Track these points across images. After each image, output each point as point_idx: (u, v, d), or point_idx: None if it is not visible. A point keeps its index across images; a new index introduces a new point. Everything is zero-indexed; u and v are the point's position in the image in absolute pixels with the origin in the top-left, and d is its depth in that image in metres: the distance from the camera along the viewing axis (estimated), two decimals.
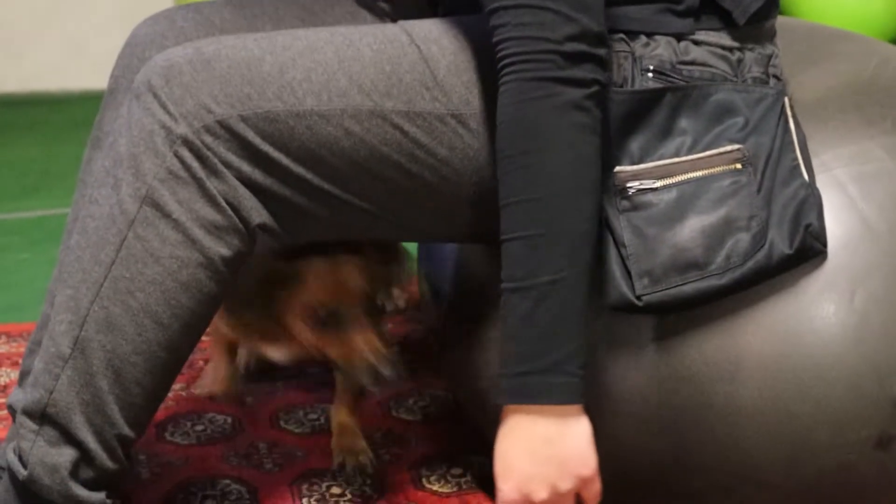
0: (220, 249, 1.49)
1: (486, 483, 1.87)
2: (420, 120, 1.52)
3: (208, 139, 1.47)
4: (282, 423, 2.11)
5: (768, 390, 1.50)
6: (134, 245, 1.48)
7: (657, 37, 1.53)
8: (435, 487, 1.87)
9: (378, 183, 1.53)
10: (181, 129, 1.47)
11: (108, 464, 1.55)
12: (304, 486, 1.88)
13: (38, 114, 4.99)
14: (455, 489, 1.86)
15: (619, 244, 1.49)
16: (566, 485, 1.41)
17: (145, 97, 1.49)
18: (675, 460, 1.54)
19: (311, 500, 1.84)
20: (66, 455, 1.53)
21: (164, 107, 1.47)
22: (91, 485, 1.55)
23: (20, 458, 1.55)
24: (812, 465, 1.51)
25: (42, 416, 1.52)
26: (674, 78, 1.52)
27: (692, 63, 1.54)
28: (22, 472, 1.54)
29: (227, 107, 1.48)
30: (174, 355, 1.54)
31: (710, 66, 1.54)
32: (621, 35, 1.53)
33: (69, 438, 1.53)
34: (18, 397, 1.61)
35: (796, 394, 1.49)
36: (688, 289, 1.48)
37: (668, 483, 1.56)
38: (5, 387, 2.32)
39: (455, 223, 1.61)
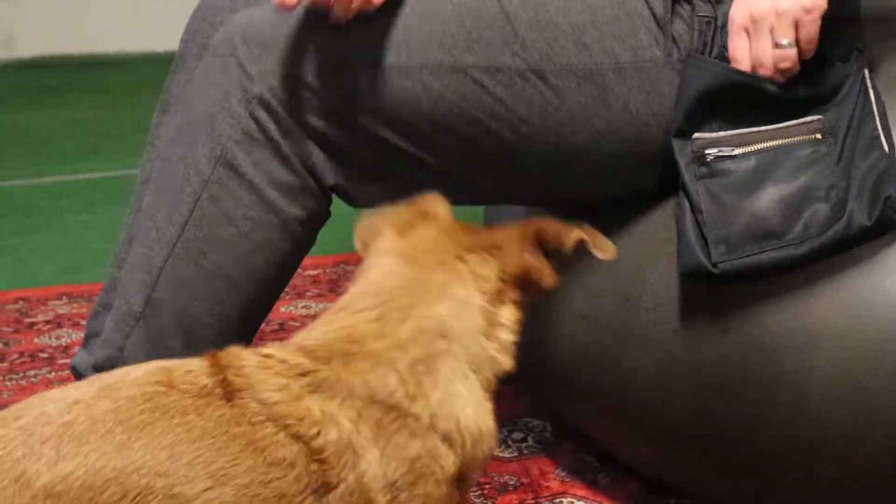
0: (295, 211, 1.48)
1: (548, 448, 1.85)
2: (500, 75, 1.50)
3: (285, 98, 1.46)
4: None
5: (840, 362, 1.47)
6: (208, 206, 1.47)
7: None
8: (496, 452, 1.86)
9: (454, 141, 1.51)
10: (258, 88, 1.46)
11: None
12: None
13: (98, 76, 5.02)
14: (516, 454, 1.85)
15: (695, 210, 1.46)
16: (786, 3, 1.41)
17: (223, 56, 1.48)
18: (745, 430, 1.51)
19: None
20: None
21: (241, 66, 1.46)
22: None
23: None
24: (883, 438, 1.48)
25: None
26: None
27: None
28: None
29: (305, 64, 1.46)
30: (247, 316, 1.53)
31: None
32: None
33: None
34: (83, 358, 1.61)
35: (868, 367, 1.46)
36: (764, 258, 1.45)
37: (736, 454, 1.53)
38: (67, 347, 2.33)
39: (528, 184, 1.59)
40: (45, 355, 2.29)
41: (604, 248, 1.33)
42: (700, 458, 1.58)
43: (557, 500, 1.71)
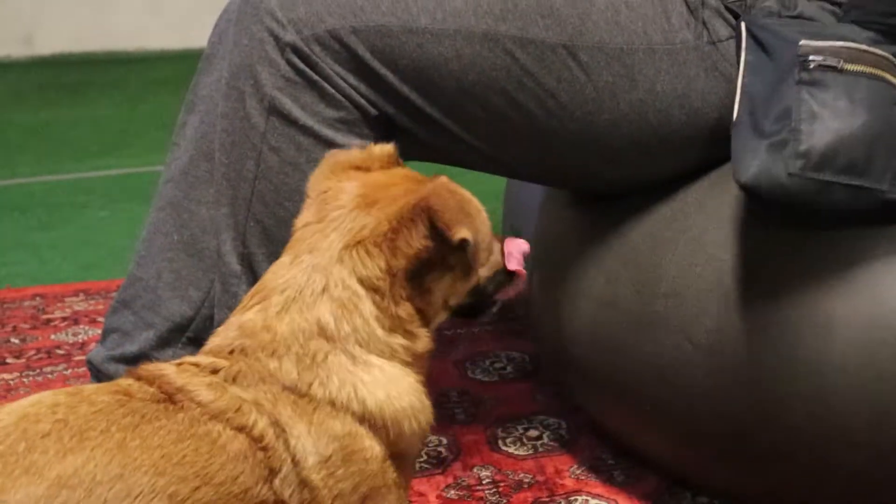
0: (356, 141, 1.48)
1: (564, 446, 1.85)
2: (532, 47, 1.50)
3: (317, 48, 1.46)
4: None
5: (859, 348, 1.46)
6: (271, 157, 1.49)
7: None
8: (511, 450, 1.85)
9: (480, 110, 1.51)
10: (289, 36, 1.46)
11: None
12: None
13: (118, 73, 5.03)
14: (531, 452, 1.84)
15: (782, 114, 1.37)
16: None
17: (255, 4, 1.48)
18: (763, 417, 1.50)
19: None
20: None
21: (271, 13, 1.46)
22: None
23: None
24: None
25: None
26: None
27: (799, 16, 1.51)
28: None
29: (338, 17, 1.46)
30: None
31: (816, 20, 1.51)
32: None
33: None
34: (100, 354, 1.62)
35: (888, 353, 1.45)
36: (839, 190, 1.36)
37: (755, 440, 1.53)
38: (84, 344, 2.34)
39: (549, 162, 1.59)
40: (61, 352, 2.30)
41: (477, 254, 1.29)
42: (717, 446, 1.58)
43: (573, 498, 1.70)
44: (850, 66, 1.38)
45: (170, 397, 1.18)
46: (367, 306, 1.28)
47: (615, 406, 1.71)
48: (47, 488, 1.07)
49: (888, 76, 1.39)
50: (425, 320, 1.33)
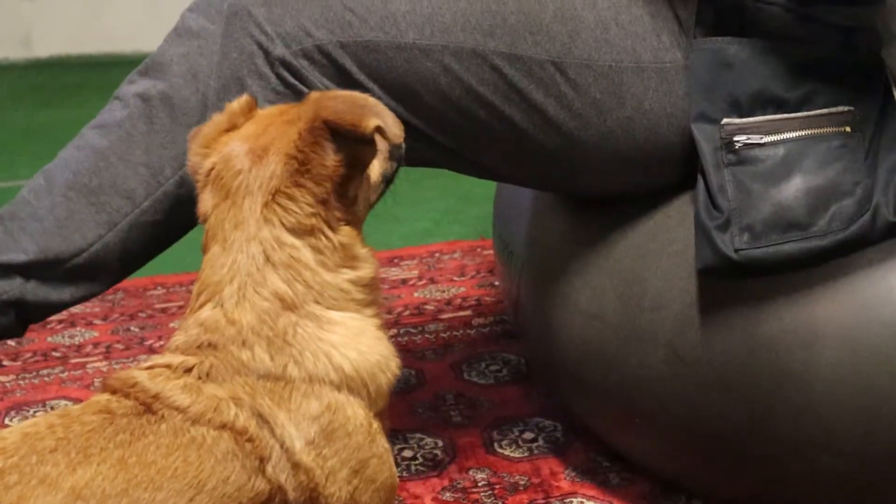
0: None
1: (559, 448, 1.85)
2: (520, 63, 1.50)
3: (305, 63, 1.46)
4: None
5: (846, 359, 1.46)
6: None
7: (768, 7, 1.50)
8: (506, 452, 1.86)
9: (467, 123, 1.51)
10: (279, 50, 1.46)
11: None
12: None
13: (115, 75, 5.04)
14: (526, 454, 1.85)
15: (719, 198, 1.45)
16: None
17: (243, 17, 1.47)
18: (751, 427, 1.51)
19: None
20: None
21: (260, 27, 1.46)
22: None
23: None
24: (889, 434, 1.48)
25: None
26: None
27: (795, 35, 1.50)
28: None
29: (326, 32, 1.46)
30: None
31: (813, 39, 1.50)
32: None
33: None
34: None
35: (874, 363, 1.46)
36: (788, 248, 1.44)
37: (744, 449, 1.53)
38: (80, 346, 2.34)
39: (534, 173, 1.59)
40: (58, 354, 2.30)
41: (392, 135, 1.26)
42: (708, 455, 1.59)
43: (568, 500, 1.71)
44: (773, 138, 1.46)
45: (148, 407, 1.18)
46: (307, 254, 1.26)
47: (606, 414, 1.72)
48: (63, 499, 1.08)
49: (811, 131, 1.46)
50: (360, 234, 1.31)
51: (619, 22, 1.53)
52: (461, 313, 2.43)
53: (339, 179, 1.26)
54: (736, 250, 1.43)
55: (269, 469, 1.19)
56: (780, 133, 1.47)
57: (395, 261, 2.76)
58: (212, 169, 1.29)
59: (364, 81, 1.47)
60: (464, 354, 2.22)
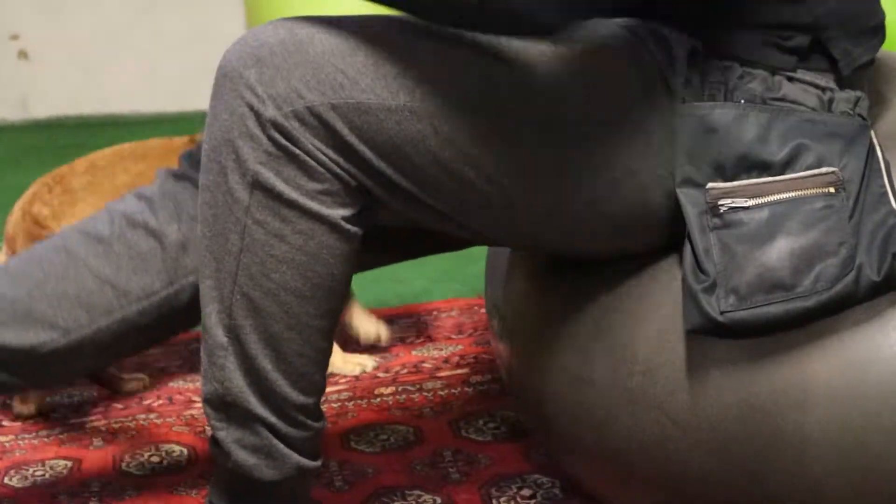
0: (340, 211, 1.49)
1: None
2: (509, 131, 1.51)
3: (296, 124, 1.46)
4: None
5: (838, 419, 1.47)
6: (255, 230, 1.49)
7: (754, 71, 1.53)
8: None
9: (455, 184, 1.52)
10: (270, 112, 1.46)
11: (294, 433, 1.57)
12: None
13: (113, 136, 5.05)
14: None
15: (706, 262, 1.47)
16: None
17: (234, 79, 1.48)
18: (744, 490, 1.51)
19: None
20: (261, 432, 1.56)
21: (251, 88, 1.47)
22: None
23: (221, 448, 1.58)
24: (883, 495, 1.49)
25: (224, 405, 1.56)
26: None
27: (782, 99, 1.53)
28: (228, 461, 1.58)
29: (318, 94, 1.47)
30: (328, 319, 1.55)
31: (800, 102, 1.53)
32: (720, 62, 1.53)
33: (255, 417, 1.55)
34: None
35: (866, 423, 1.47)
36: (773, 309, 1.46)
37: None
38: None
39: (520, 234, 1.61)
40: (56, 415, 2.30)
41: None
42: None
43: None
44: (758, 200, 1.49)
45: None
46: None
47: (601, 476, 1.71)
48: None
49: (795, 193, 1.49)
50: None
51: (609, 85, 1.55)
52: (459, 371, 2.44)
53: None
54: (722, 312, 1.46)
55: None
56: (765, 196, 1.49)
57: (393, 319, 2.77)
58: None
59: (354, 143, 1.48)
60: (462, 412, 2.23)
